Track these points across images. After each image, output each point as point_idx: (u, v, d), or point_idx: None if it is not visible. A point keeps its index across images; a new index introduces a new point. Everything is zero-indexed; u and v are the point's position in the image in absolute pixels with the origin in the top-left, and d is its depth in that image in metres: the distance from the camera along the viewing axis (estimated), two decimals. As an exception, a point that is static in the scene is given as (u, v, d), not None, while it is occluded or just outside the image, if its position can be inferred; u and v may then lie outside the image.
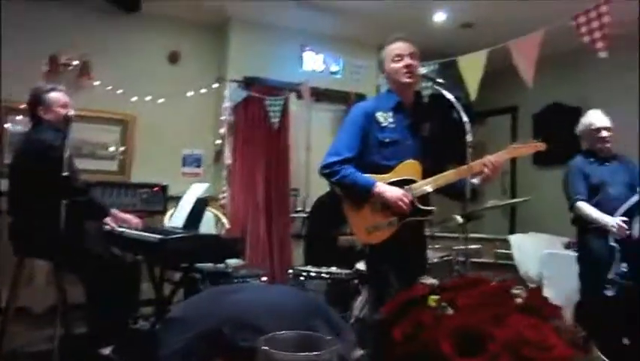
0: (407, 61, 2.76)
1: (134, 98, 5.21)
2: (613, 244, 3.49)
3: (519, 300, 0.55)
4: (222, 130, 5.53)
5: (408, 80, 2.78)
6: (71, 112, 3.39)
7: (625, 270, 3.40)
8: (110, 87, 5.12)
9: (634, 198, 3.53)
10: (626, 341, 3.29)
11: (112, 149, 5.31)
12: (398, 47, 2.80)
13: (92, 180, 4.59)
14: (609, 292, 3.44)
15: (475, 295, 0.54)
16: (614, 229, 3.45)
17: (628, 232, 3.41)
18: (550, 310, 0.56)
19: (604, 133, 3.73)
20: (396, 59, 2.78)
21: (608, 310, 3.42)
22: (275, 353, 0.63)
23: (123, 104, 5.22)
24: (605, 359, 3.39)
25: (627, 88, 5.42)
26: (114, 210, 3.62)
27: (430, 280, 0.59)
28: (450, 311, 0.54)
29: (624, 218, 3.47)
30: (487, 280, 0.60)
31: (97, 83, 5.10)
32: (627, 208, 3.52)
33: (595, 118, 3.77)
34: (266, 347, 0.64)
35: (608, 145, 3.77)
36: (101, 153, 5.26)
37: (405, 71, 2.76)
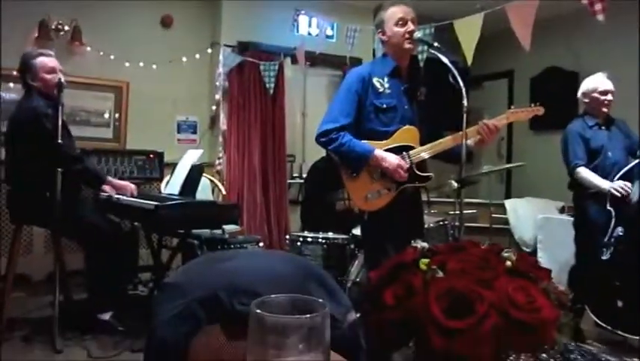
0: (410, 26, 2.72)
1: (127, 64, 5.15)
2: (609, 208, 3.51)
3: (508, 263, 0.56)
4: (217, 96, 5.48)
5: (409, 47, 2.75)
6: (62, 78, 3.35)
7: (621, 234, 3.43)
8: (101, 53, 5.06)
9: (633, 163, 3.54)
10: (620, 303, 3.34)
11: (106, 116, 5.27)
12: (402, 10, 2.74)
13: (87, 147, 4.58)
14: (604, 256, 3.48)
15: (464, 258, 0.55)
16: (616, 192, 3.47)
17: (627, 192, 3.42)
18: (539, 272, 0.57)
19: (608, 97, 3.71)
20: (400, 22, 2.72)
21: (602, 273, 3.46)
22: (267, 315, 0.64)
23: (116, 71, 5.16)
24: (597, 321, 3.46)
25: (624, 52, 5.38)
26: (110, 178, 3.63)
27: (420, 244, 0.60)
28: (440, 275, 0.54)
29: (624, 183, 3.48)
30: (478, 244, 0.60)
31: (89, 48, 5.03)
32: (625, 172, 3.52)
33: (599, 82, 3.74)
34: (258, 310, 0.65)
35: (609, 109, 3.76)
36: (96, 120, 5.23)
37: (407, 37, 2.72)
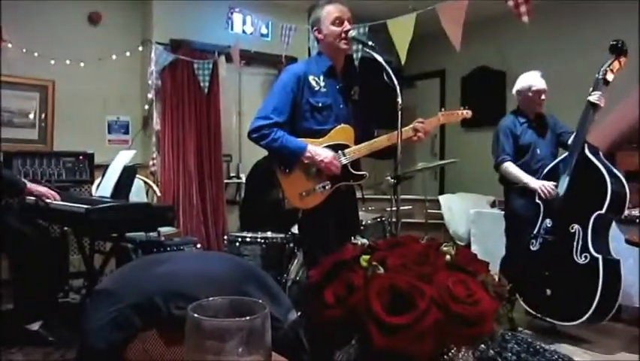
0: (346, 25, 2.72)
1: (53, 62, 4.92)
2: (538, 201, 3.66)
3: (447, 257, 0.56)
4: (150, 95, 5.33)
5: (345, 46, 2.76)
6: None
7: (549, 226, 3.58)
8: (24, 50, 4.80)
9: (558, 159, 3.69)
10: (548, 292, 3.49)
11: (31, 116, 5.01)
12: (338, 9, 2.73)
13: (11, 150, 4.34)
14: (534, 247, 3.63)
15: (404, 254, 0.55)
16: (541, 193, 3.61)
17: (555, 193, 3.56)
18: (477, 266, 0.58)
19: (542, 97, 3.84)
20: (336, 22, 2.72)
21: (532, 263, 3.61)
22: (204, 319, 0.62)
23: (41, 69, 4.91)
24: (528, 309, 3.60)
25: (548, 51, 5.64)
26: (29, 185, 3.42)
27: (360, 240, 0.59)
28: (381, 271, 0.54)
29: (552, 183, 3.61)
30: (417, 239, 0.61)
31: (10, 45, 4.76)
32: (552, 167, 3.68)
33: (534, 80, 3.84)
34: (194, 314, 0.62)
35: (541, 108, 3.89)
36: (20, 121, 4.96)
37: (344, 36, 2.72)
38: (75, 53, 5.03)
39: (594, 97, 3.42)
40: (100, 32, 5.28)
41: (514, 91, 3.96)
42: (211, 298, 0.69)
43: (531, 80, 3.86)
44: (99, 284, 1.65)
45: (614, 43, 3.40)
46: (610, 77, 3.40)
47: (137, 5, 5.49)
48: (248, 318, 0.64)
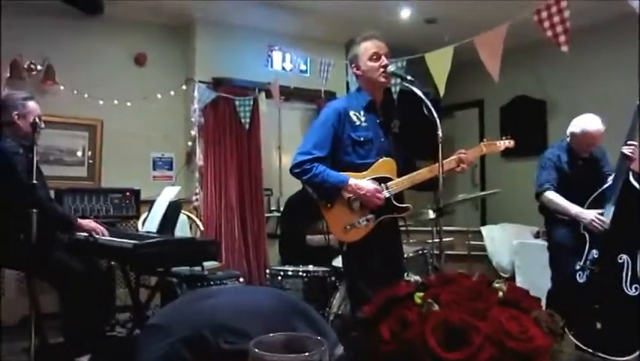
0: (384, 60, 2.77)
1: (101, 102, 5.13)
2: (583, 232, 3.56)
3: (500, 293, 0.57)
4: (193, 132, 5.48)
5: (384, 80, 2.80)
6: (38, 119, 3.33)
7: (596, 256, 3.48)
8: (75, 92, 5.03)
9: (602, 188, 3.59)
10: (598, 325, 3.37)
11: (80, 154, 5.22)
12: (375, 45, 2.79)
13: (61, 186, 4.51)
14: (581, 280, 3.52)
15: (457, 290, 0.57)
16: (589, 225, 3.50)
17: (603, 227, 3.46)
18: (530, 302, 0.59)
19: (597, 142, 3.73)
20: (374, 57, 2.77)
21: (580, 296, 3.50)
22: (267, 355, 0.64)
23: (90, 109, 5.13)
24: (578, 343, 3.47)
25: (588, 79, 5.58)
26: (80, 220, 3.54)
27: (413, 278, 0.61)
28: (436, 308, 0.56)
29: (600, 210, 3.50)
30: (468, 276, 0.62)
31: (62, 87, 5.00)
32: (597, 196, 3.57)
33: (592, 126, 3.70)
34: (256, 350, 0.65)
35: (592, 150, 3.80)
36: (69, 160, 5.17)
37: (382, 70, 2.76)
38: (122, 93, 5.24)
39: (627, 150, 3.36)
40: (145, 73, 5.50)
41: (568, 131, 3.83)
42: (268, 335, 0.71)
43: (587, 125, 3.71)
44: (151, 319, 1.70)
45: (656, 71, 3.34)
46: (651, 105, 3.33)
47: (180, 46, 5.70)
48: (307, 354, 0.65)
